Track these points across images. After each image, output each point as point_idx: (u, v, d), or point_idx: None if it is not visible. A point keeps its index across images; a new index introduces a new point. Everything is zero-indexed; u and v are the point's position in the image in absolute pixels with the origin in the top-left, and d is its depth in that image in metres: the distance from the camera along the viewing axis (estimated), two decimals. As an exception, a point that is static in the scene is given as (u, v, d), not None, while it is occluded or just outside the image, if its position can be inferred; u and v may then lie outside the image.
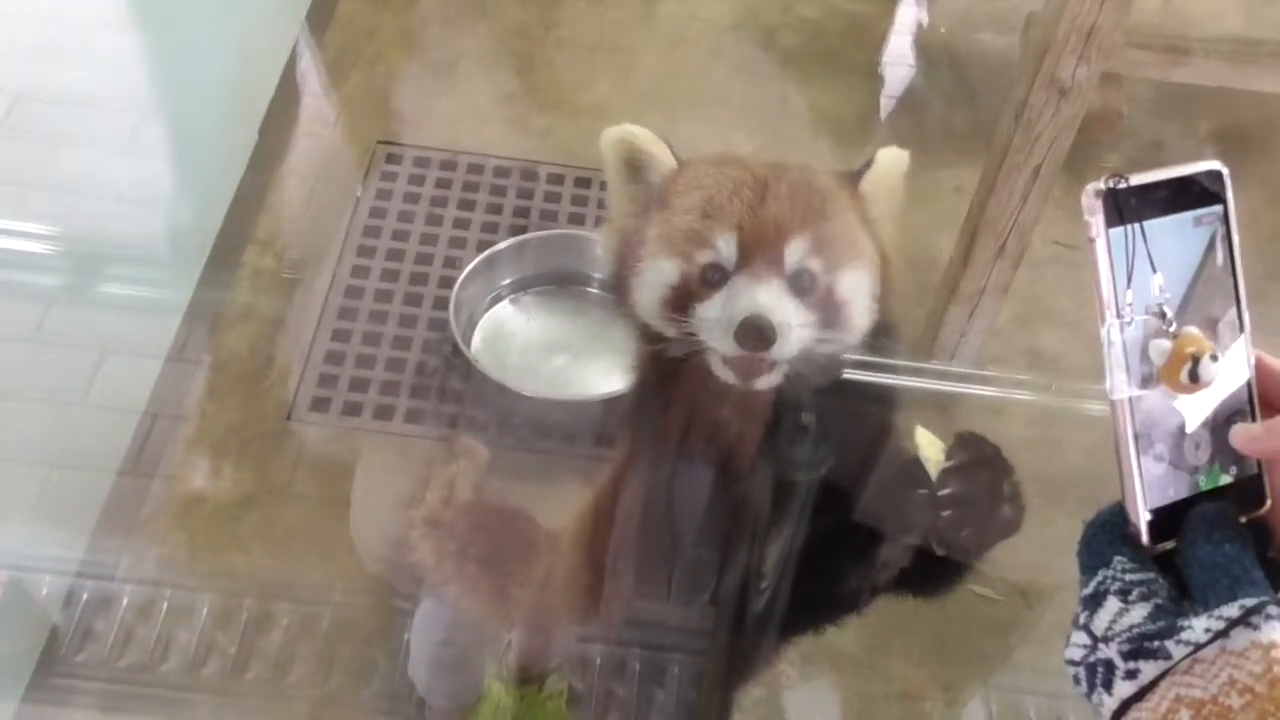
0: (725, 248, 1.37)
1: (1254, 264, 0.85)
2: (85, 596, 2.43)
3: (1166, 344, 0.82)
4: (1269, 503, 0.86)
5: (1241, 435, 0.84)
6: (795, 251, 1.37)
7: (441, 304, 2.87)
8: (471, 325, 2.88)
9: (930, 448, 1.45)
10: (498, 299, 2.95)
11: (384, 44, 3.52)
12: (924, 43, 3.78)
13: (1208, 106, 3.39)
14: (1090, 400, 2.74)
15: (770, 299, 1.33)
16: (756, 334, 1.31)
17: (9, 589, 2.33)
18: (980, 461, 1.44)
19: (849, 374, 1.48)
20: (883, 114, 3.59)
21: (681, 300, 1.40)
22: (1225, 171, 0.84)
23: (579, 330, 2.90)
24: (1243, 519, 0.84)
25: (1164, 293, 0.82)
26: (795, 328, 1.34)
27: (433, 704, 2.27)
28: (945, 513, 1.43)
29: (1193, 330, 0.83)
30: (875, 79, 3.68)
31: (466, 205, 3.18)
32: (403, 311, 2.94)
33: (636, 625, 2.43)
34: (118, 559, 2.49)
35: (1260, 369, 0.87)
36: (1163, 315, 0.82)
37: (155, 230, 2.88)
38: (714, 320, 1.35)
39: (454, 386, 2.81)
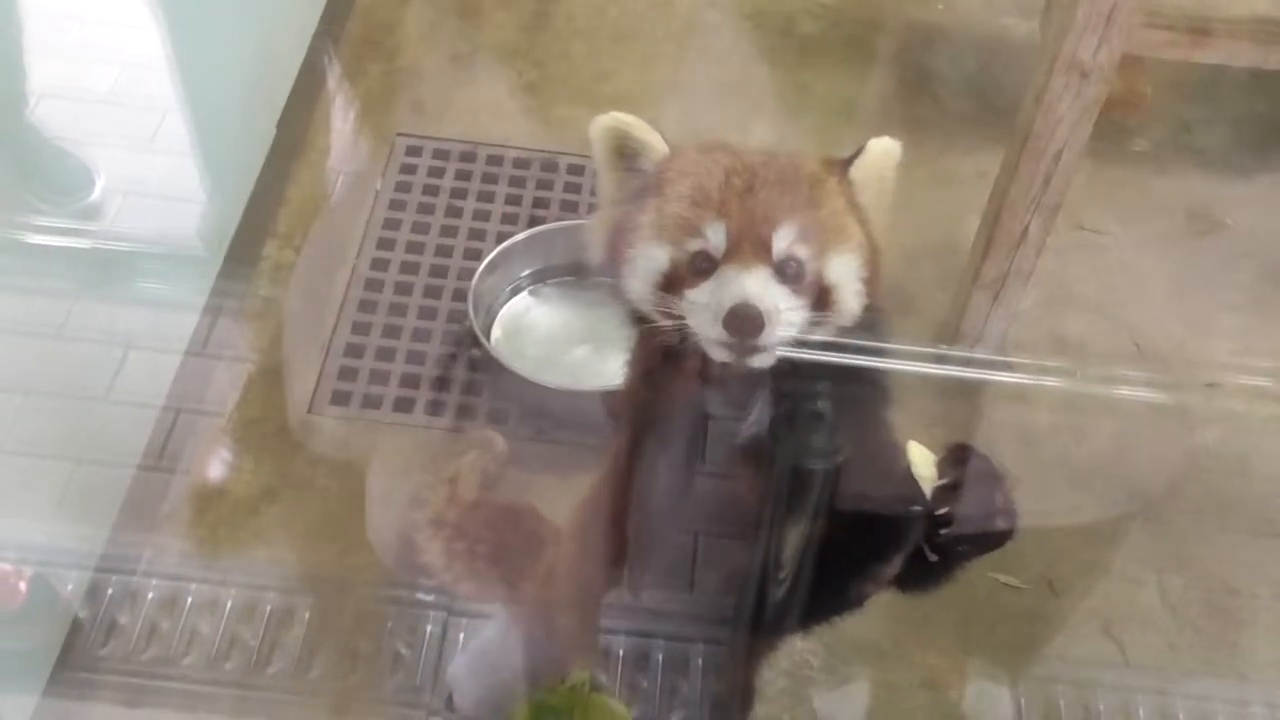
0: (714, 236, 1.41)
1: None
2: (110, 591, 2.43)
3: None
4: None
5: None
6: (782, 239, 1.40)
7: (461, 296, 2.86)
8: (491, 317, 2.88)
9: (924, 464, 1.47)
10: (517, 290, 2.94)
11: (403, 36, 3.51)
12: (947, 28, 3.74)
13: (1238, 89, 3.35)
14: (1115, 386, 2.73)
15: (757, 287, 1.37)
16: (744, 321, 1.35)
17: (33, 584, 2.35)
18: (973, 476, 1.46)
19: (865, 361, 1.49)
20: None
21: (672, 286, 1.43)
22: None
23: (599, 321, 2.89)
24: None
25: None
26: (783, 313, 1.37)
27: (466, 712, 2.26)
28: (942, 531, 1.45)
29: None
30: (896, 65, 3.64)
31: (486, 197, 3.17)
32: (422, 304, 2.93)
33: (661, 616, 2.44)
34: (141, 553, 2.50)
35: None
36: None
37: (176, 225, 2.88)
38: (703, 305, 1.38)
39: (474, 378, 2.80)
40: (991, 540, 1.47)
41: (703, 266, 1.41)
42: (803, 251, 1.41)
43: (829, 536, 1.51)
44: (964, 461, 1.47)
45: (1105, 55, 2.14)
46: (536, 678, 2.12)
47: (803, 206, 1.42)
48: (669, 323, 1.42)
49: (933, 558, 1.47)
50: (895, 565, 1.52)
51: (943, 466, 1.47)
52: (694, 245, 1.41)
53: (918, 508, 1.44)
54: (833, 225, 1.44)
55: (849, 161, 1.50)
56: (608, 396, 2.65)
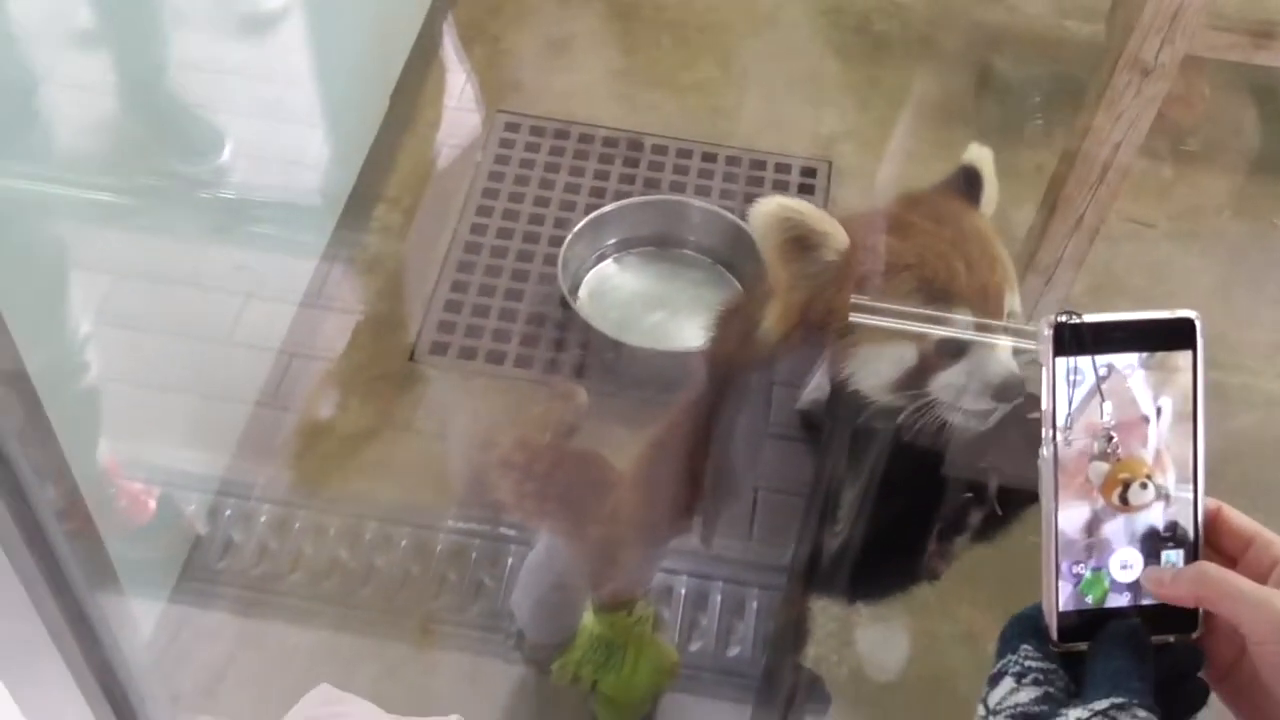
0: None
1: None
2: (228, 513, 2.50)
3: (1104, 466, 0.81)
4: (1200, 630, 0.82)
5: (1151, 575, 0.82)
6: (1008, 303, 1.41)
7: (551, 260, 2.89)
8: (578, 280, 2.91)
9: None
10: (602, 257, 2.96)
11: (505, 22, 3.53)
12: (1012, 28, 3.68)
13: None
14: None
15: (1011, 356, 1.38)
16: (1012, 391, 1.35)
17: (162, 502, 2.43)
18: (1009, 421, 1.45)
19: (930, 330, 1.48)
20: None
21: (916, 376, 1.40)
22: (1198, 321, 0.80)
23: (676, 289, 2.92)
24: (1170, 639, 0.82)
25: (1112, 420, 0.80)
26: None
27: (533, 638, 2.29)
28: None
29: (1135, 455, 0.81)
30: (962, 63, 3.59)
31: (577, 171, 3.19)
32: (516, 266, 2.97)
33: (720, 561, 2.45)
34: (255, 480, 2.56)
35: (1219, 523, 0.84)
36: (1109, 439, 0.80)
37: (298, 187, 2.94)
38: (961, 386, 1.38)
39: (560, 336, 2.83)
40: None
41: (949, 349, 1.39)
42: (1016, 303, 1.42)
43: (887, 511, 1.51)
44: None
45: (1168, 55, 2.10)
46: (594, 600, 2.15)
47: (1003, 264, 1.42)
48: (913, 405, 1.40)
49: (998, 511, 1.49)
50: (956, 545, 1.52)
51: None
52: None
53: (969, 495, 1.44)
54: (1010, 264, 1.45)
55: (971, 185, 1.51)
56: (685, 357, 2.66)
